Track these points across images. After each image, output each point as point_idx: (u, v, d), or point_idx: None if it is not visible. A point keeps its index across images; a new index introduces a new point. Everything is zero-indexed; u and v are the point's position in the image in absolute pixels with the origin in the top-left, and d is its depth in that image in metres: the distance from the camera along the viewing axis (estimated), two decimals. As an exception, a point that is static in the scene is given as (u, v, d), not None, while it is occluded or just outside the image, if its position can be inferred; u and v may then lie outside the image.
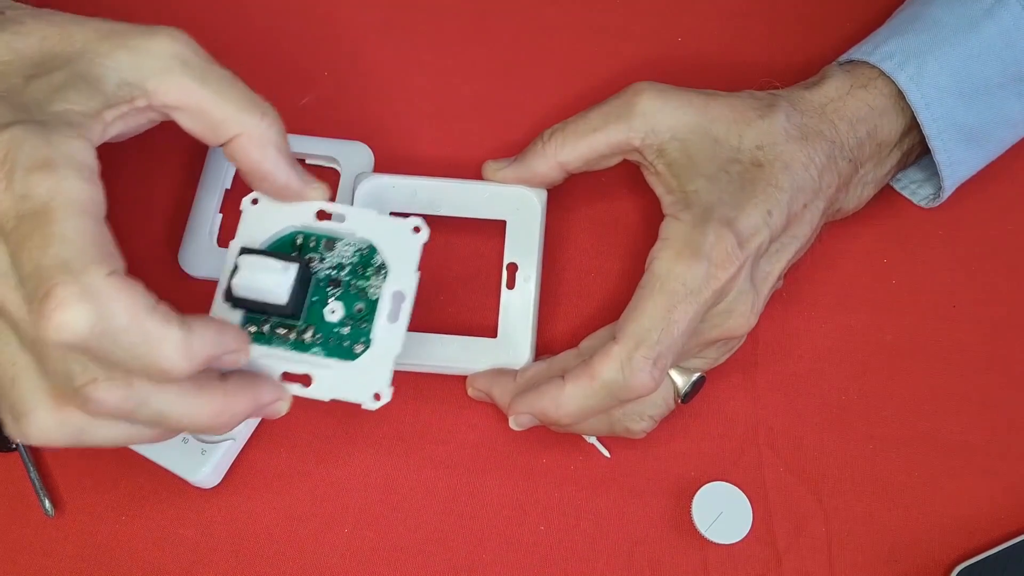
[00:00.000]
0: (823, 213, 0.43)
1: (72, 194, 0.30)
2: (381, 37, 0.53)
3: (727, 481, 0.44)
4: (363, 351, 0.38)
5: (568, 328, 0.47)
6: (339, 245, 0.40)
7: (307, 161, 0.50)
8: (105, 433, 0.33)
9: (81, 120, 0.33)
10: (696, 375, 0.43)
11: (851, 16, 0.53)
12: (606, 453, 0.45)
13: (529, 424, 0.42)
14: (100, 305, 0.29)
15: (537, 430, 0.44)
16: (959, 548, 0.44)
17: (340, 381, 0.38)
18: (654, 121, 0.42)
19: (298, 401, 0.46)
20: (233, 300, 0.38)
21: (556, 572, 0.44)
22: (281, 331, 0.38)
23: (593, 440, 0.45)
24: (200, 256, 0.47)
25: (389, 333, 0.38)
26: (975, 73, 0.44)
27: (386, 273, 0.39)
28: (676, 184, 0.42)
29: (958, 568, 0.43)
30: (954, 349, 0.47)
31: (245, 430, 0.44)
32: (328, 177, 0.50)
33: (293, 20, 0.54)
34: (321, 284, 0.39)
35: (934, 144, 0.44)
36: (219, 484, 0.44)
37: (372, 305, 0.39)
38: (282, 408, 0.37)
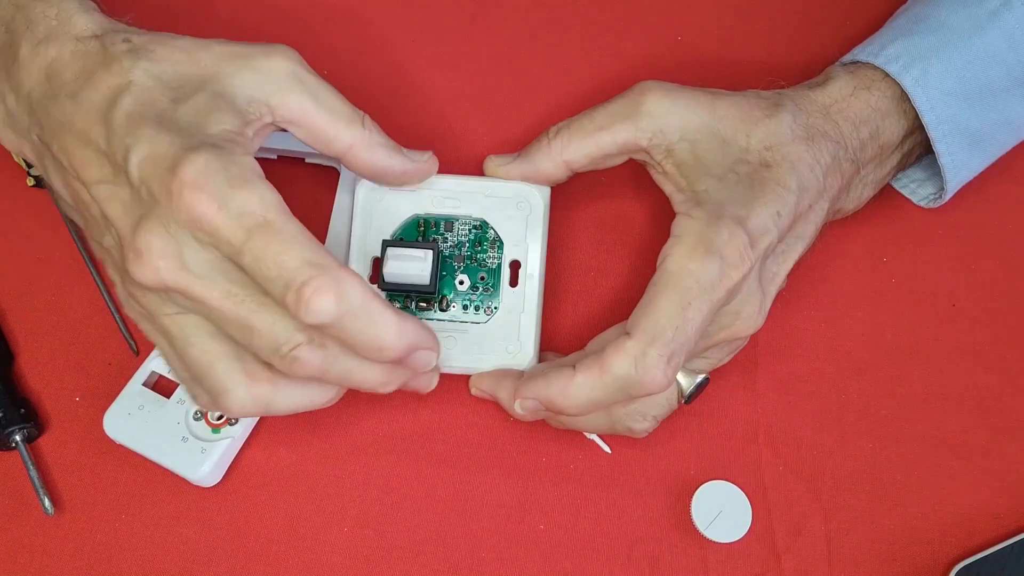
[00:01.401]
0: (826, 213, 0.43)
1: (278, 203, 0.35)
2: (381, 34, 0.53)
3: (726, 480, 0.44)
4: (493, 315, 0.45)
5: (572, 326, 0.47)
6: (456, 225, 0.45)
7: (307, 160, 0.50)
8: (287, 399, 0.38)
9: (238, 139, 0.37)
10: (701, 376, 0.43)
11: (852, 14, 0.53)
12: (607, 449, 0.45)
13: (534, 410, 0.41)
14: (343, 291, 0.34)
15: (537, 427, 0.44)
16: (958, 547, 0.44)
17: (478, 339, 0.44)
18: (662, 121, 0.42)
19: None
20: (385, 286, 0.44)
21: (556, 570, 0.44)
22: (423, 305, 0.45)
23: (594, 436, 0.45)
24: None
25: (514, 296, 0.45)
26: (980, 76, 0.44)
27: (501, 244, 0.45)
28: (686, 183, 0.42)
29: (957, 567, 0.43)
30: (953, 348, 0.48)
31: (243, 428, 0.44)
32: (328, 176, 0.50)
33: (294, 18, 0.54)
34: (448, 260, 0.45)
35: (938, 148, 0.44)
36: (219, 483, 0.44)
37: (493, 273, 0.45)
38: (432, 382, 0.41)
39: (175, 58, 0.38)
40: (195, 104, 0.37)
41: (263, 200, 0.35)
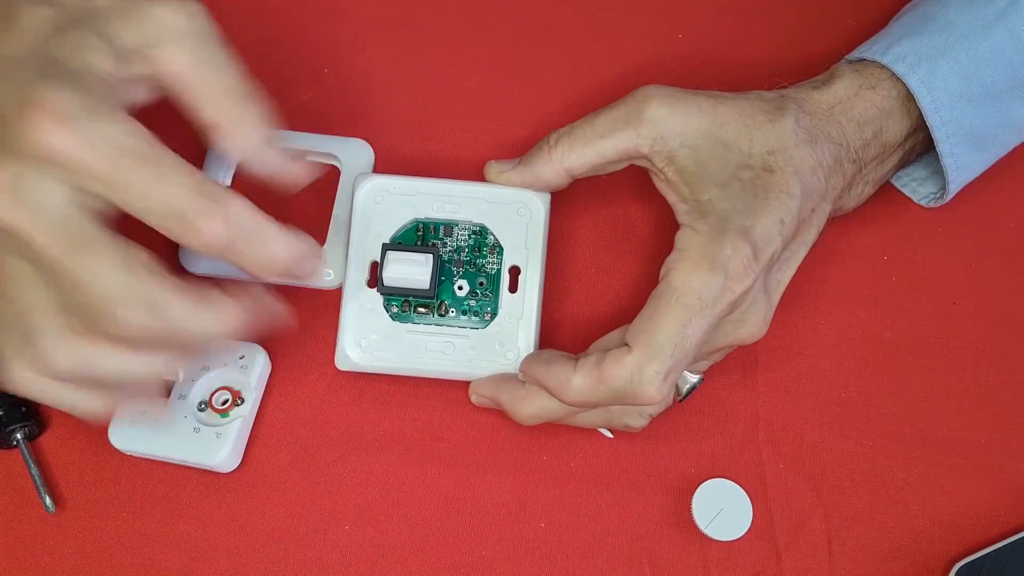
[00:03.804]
0: (828, 215, 0.43)
1: (147, 134, 0.34)
2: (383, 33, 0.53)
3: (727, 478, 0.44)
4: (491, 319, 0.44)
5: (572, 332, 0.47)
6: (456, 230, 0.45)
7: (307, 158, 0.50)
8: (110, 363, 0.35)
9: (106, 79, 0.35)
10: (697, 377, 0.43)
11: (853, 12, 0.53)
12: (608, 434, 0.45)
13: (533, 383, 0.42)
14: (231, 214, 0.34)
15: (538, 426, 0.44)
16: (959, 545, 0.44)
17: (477, 345, 0.44)
18: (663, 128, 0.42)
19: (298, 400, 0.46)
20: (384, 289, 0.44)
21: (556, 569, 0.44)
22: (421, 310, 0.45)
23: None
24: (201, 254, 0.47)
25: (513, 302, 0.45)
26: (985, 77, 0.43)
27: (500, 250, 0.45)
28: (688, 193, 0.42)
29: (958, 565, 0.43)
30: (954, 346, 0.48)
31: (251, 407, 0.45)
32: (329, 175, 0.50)
33: (294, 16, 0.54)
34: (447, 265, 0.45)
35: (942, 148, 0.44)
36: (218, 482, 0.44)
37: (492, 279, 0.45)
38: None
39: (72, 2, 0.36)
40: (68, 40, 0.35)
41: (129, 131, 0.33)
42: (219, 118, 0.38)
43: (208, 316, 0.36)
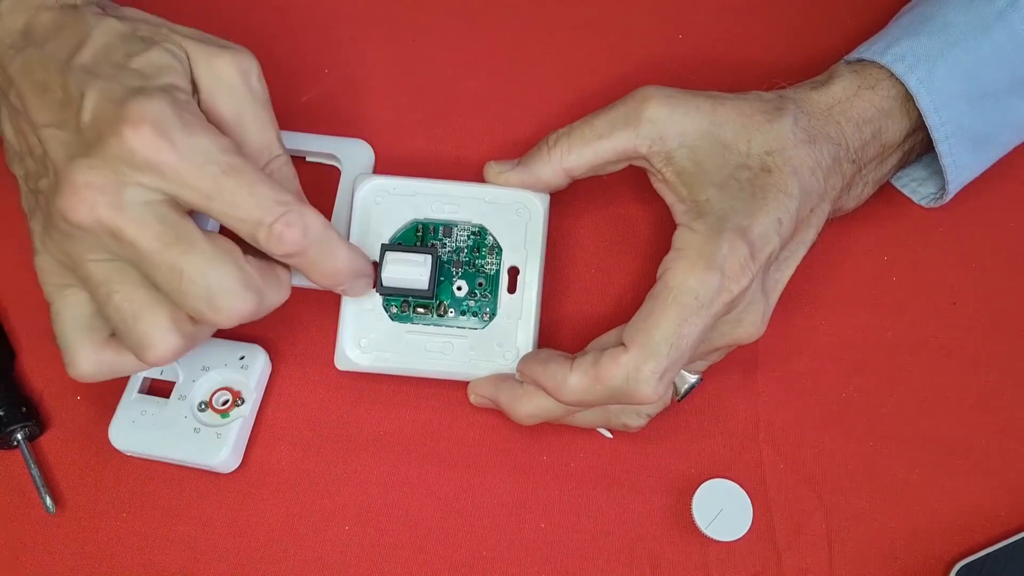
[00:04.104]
0: (827, 215, 0.43)
1: (235, 147, 0.36)
2: (383, 34, 0.53)
3: (727, 478, 0.44)
4: (490, 320, 0.44)
5: (571, 333, 0.47)
6: (455, 231, 0.45)
7: (307, 159, 0.50)
8: (207, 335, 0.40)
9: (190, 97, 0.37)
10: (695, 377, 0.43)
11: (853, 12, 0.53)
12: (608, 434, 0.45)
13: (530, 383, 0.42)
14: (307, 223, 0.37)
15: (538, 426, 0.44)
16: (959, 545, 0.44)
17: (476, 345, 0.44)
18: (662, 128, 0.42)
19: (298, 400, 0.46)
20: (383, 289, 0.44)
21: (556, 569, 0.44)
22: (421, 310, 0.45)
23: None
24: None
25: (512, 303, 0.45)
26: (985, 78, 0.43)
27: (499, 250, 0.45)
28: (687, 193, 0.42)
29: (958, 565, 0.43)
30: (954, 346, 0.48)
31: (251, 407, 0.45)
32: (329, 175, 0.50)
33: (294, 16, 0.54)
34: (446, 266, 0.45)
35: (941, 148, 0.44)
36: (219, 481, 0.44)
37: (491, 279, 0.45)
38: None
39: (139, 21, 0.39)
40: (150, 57, 0.37)
41: (221, 145, 0.36)
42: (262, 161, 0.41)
43: (287, 291, 0.40)
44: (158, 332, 0.37)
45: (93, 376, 0.39)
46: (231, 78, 0.39)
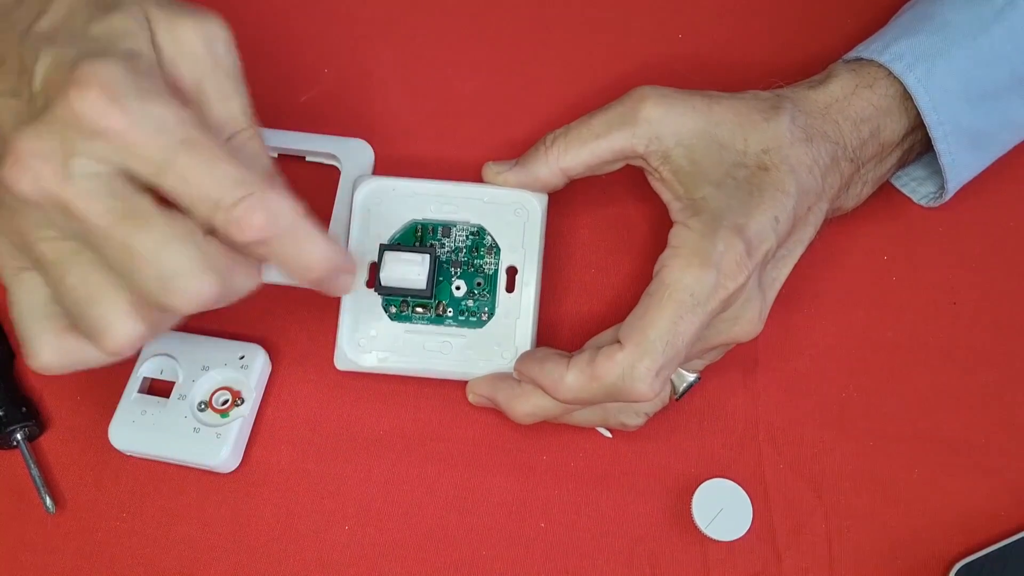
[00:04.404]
0: (825, 214, 0.43)
1: (196, 120, 0.33)
2: (383, 34, 0.53)
3: (727, 478, 0.44)
4: (489, 319, 0.44)
5: (569, 332, 0.47)
6: (454, 231, 0.45)
7: (307, 159, 0.50)
8: (172, 321, 0.36)
9: (152, 63, 0.35)
10: (693, 376, 0.43)
11: (852, 12, 0.53)
12: (607, 434, 0.45)
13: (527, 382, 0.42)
14: (274, 210, 0.33)
15: (537, 426, 0.44)
16: (959, 545, 0.44)
17: (474, 344, 0.44)
18: (658, 127, 0.42)
19: (298, 400, 0.46)
20: (382, 290, 0.44)
21: (556, 569, 0.44)
22: (419, 310, 0.45)
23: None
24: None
25: (510, 302, 0.45)
26: (983, 76, 0.43)
27: (498, 250, 0.45)
28: (683, 191, 0.42)
29: (958, 565, 0.43)
30: (954, 346, 0.48)
31: (251, 408, 0.45)
32: (329, 175, 0.50)
33: (294, 16, 0.54)
34: (444, 266, 0.45)
35: (940, 147, 0.44)
36: (219, 481, 0.44)
37: (490, 279, 0.45)
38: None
39: None
40: (111, 22, 0.35)
41: (181, 116, 0.33)
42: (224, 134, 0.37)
43: (257, 276, 0.36)
44: (116, 317, 0.33)
45: (57, 367, 0.35)
46: (193, 45, 0.36)
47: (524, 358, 0.43)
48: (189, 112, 0.33)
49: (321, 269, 0.36)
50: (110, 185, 0.32)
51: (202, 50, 0.36)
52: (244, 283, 0.35)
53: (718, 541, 0.43)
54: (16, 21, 0.36)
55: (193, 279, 0.33)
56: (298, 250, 0.35)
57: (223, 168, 0.33)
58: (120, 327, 0.33)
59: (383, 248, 0.44)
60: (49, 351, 0.35)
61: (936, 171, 0.47)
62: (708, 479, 0.44)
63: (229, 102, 0.37)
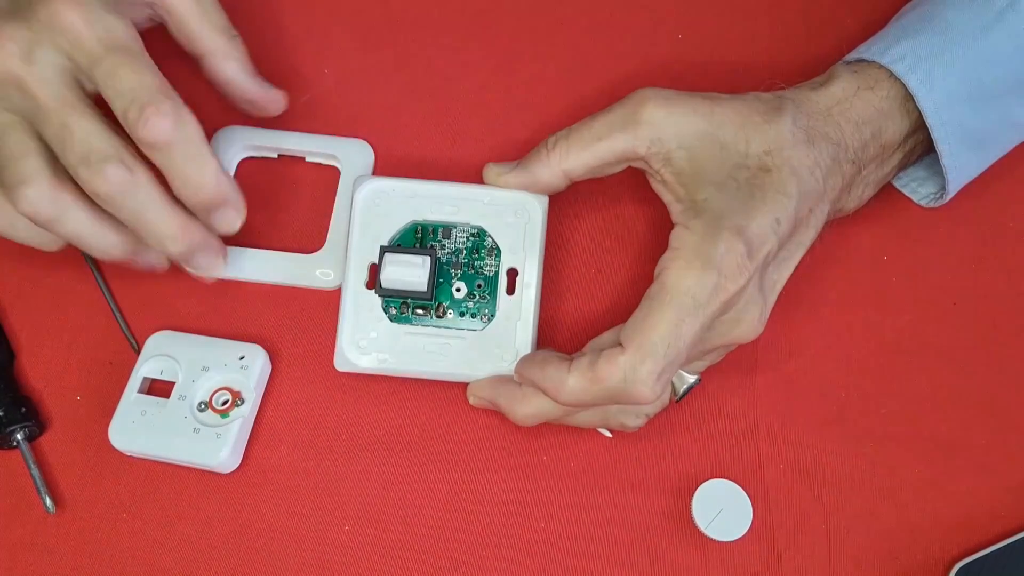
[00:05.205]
0: (827, 216, 0.43)
1: (140, 40, 0.40)
2: (383, 34, 0.53)
3: (727, 478, 0.44)
4: (489, 322, 0.44)
5: (569, 334, 0.47)
6: (454, 232, 0.45)
7: (307, 159, 0.50)
8: (76, 220, 0.41)
9: None
10: (693, 378, 0.43)
11: (853, 13, 0.53)
12: (607, 434, 0.45)
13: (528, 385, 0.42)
14: (182, 120, 0.39)
15: (537, 426, 0.44)
16: (959, 545, 0.44)
17: (475, 346, 0.44)
18: (660, 130, 0.42)
19: (298, 400, 0.46)
20: (382, 291, 0.44)
21: (556, 569, 0.44)
22: (420, 312, 0.45)
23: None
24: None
25: (511, 304, 0.45)
26: (984, 78, 0.43)
27: (499, 252, 0.45)
28: (684, 193, 0.42)
29: (958, 565, 0.43)
30: (954, 347, 0.48)
31: (251, 408, 0.45)
32: (329, 176, 0.50)
33: (294, 16, 0.54)
34: (445, 267, 0.45)
35: (941, 148, 0.44)
36: (219, 481, 0.44)
37: (490, 281, 0.45)
38: (215, 268, 0.45)
39: None
40: None
41: (129, 30, 0.40)
42: (212, 47, 0.46)
43: (167, 213, 0.41)
44: (35, 173, 0.39)
45: None
46: None
47: (525, 361, 0.42)
48: (135, 31, 0.40)
49: (211, 190, 0.41)
50: (65, 79, 0.40)
51: None
52: (149, 204, 0.40)
53: (718, 541, 0.43)
54: None
55: (110, 162, 0.39)
56: (194, 165, 0.40)
57: (149, 77, 0.39)
58: (36, 180, 0.39)
59: (383, 249, 0.44)
60: None
61: (937, 171, 0.47)
62: (708, 479, 0.44)
63: (218, 13, 0.45)
